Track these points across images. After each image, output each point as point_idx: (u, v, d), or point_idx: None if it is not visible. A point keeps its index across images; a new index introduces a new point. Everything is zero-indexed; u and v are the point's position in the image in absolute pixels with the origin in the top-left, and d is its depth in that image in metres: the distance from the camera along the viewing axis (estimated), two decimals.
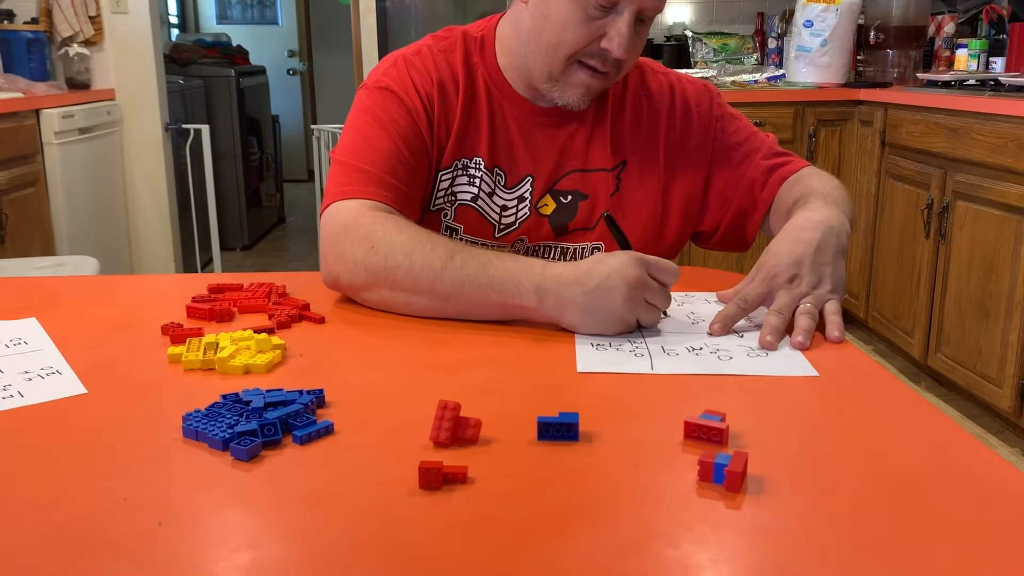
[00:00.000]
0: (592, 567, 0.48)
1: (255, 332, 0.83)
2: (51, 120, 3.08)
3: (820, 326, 0.88)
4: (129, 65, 3.69)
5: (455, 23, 1.19)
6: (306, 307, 0.95)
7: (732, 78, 3.52)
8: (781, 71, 3.60)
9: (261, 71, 5.61)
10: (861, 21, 3.51)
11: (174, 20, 6.77)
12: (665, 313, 0.91)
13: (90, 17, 3.61)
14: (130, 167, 3.77)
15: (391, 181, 1.03)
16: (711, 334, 0.88)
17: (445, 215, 1.13)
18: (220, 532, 0.53)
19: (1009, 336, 2.39)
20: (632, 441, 0.65)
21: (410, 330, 0.90)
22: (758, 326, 0.89)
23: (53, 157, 3.11)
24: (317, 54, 7.39)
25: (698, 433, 0.64)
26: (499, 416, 0.67)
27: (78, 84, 3.58)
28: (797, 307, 0.89)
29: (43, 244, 3.05)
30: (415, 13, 3.84)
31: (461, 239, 1.14)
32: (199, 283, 1.03)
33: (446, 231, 1.14)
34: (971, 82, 2.82)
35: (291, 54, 7.33)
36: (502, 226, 1.14)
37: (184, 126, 3.92)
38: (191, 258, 4.08)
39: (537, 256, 1.15)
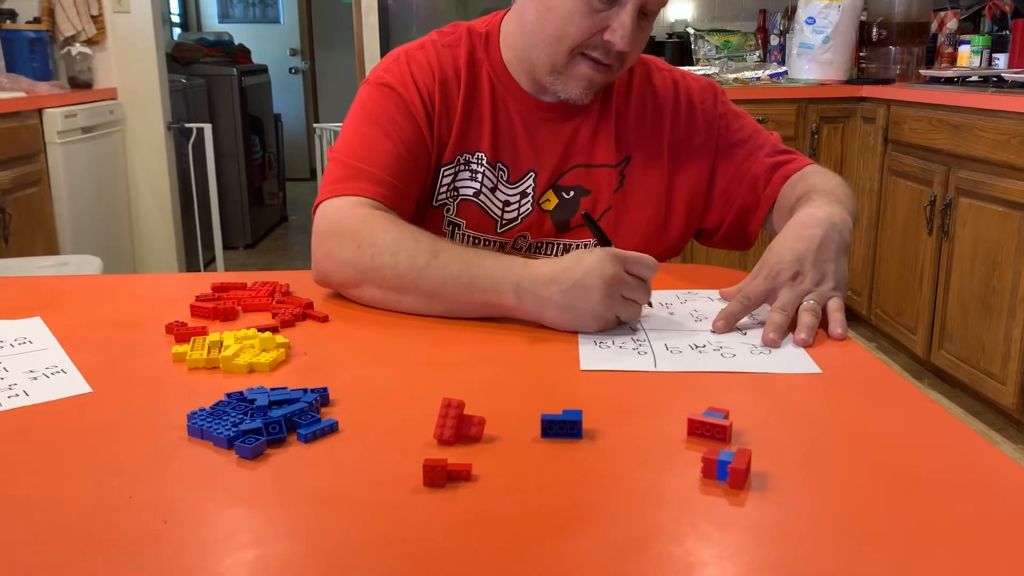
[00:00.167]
0: (596, 564, 0.49)
1: (259, 331, 0.83)
2: (54, 119, 3.09)
3: (823, 323, 0.88)
4: (131, 64, 3.69)
5: (457, 21, 1.19)
6: (310, 306, 0.95)
7: (734, 75, 3.52)
8: (783, 68, 3.59)
9: (263, 70, 5.61)
10: (863, 18, 3.50)
11: (176, 19, 6.77)
12: (649, 305, 0.92)
13: (92, 16, 3.62)
14: (133, 166, 3.78)
15: (385, 178, 1.04)
16: (714, 331, 0.88)
17: (448, 210, 1.13)
18: (225, 530, 0.54)
19: (1012, 333, 2.38)
20: (636, 438, 0.65)
21: (413, 328, 0.90)
22: (761, 323, 0.89)
23: (56, 156, 3.11)
24: (319, 53, 7.39)
25: (702, 430, 0.64)
26: (503, 414, 0.67)
27: (80, 83, 3.58)
28: (800, 304, 0.89)
29: (46, 243, 3.06)
30: (417, 11, 3.84)
31: (463, 235, 1.14)
32: (203, 282, 1.03)
33: (448, 226, 1.14)
34: (974, 78, 2.82)
35: (293, 53, 7.33)
36: (504, 221, 1.14)
37: (187, 125, 3.93)
38: (194, 257, 4.09)
39: (540, 252, 1.16)
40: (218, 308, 0.92)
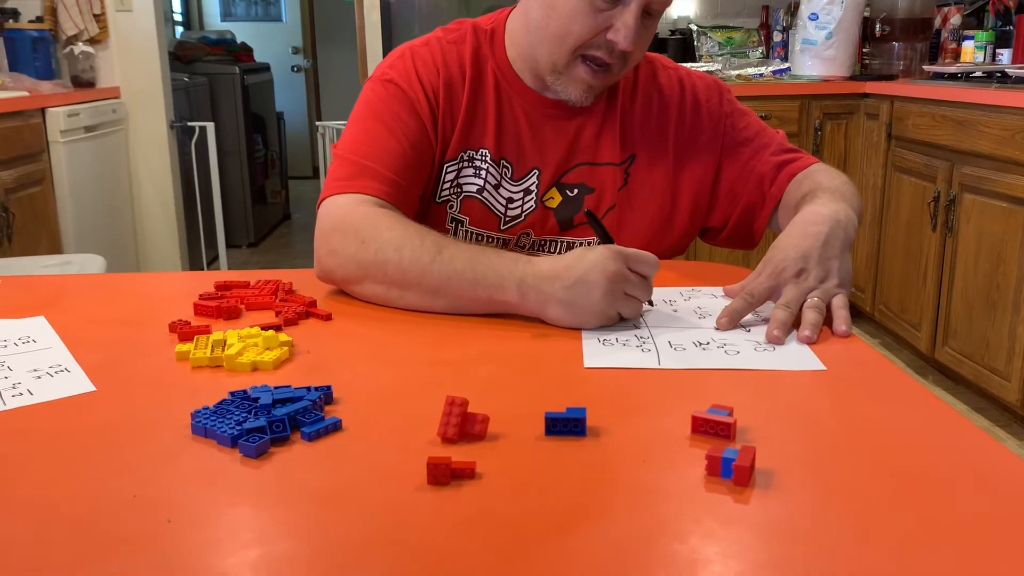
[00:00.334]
0: (600, 561, 0.49)
1: (262, 329, 0.83)
2: (57, 119, 3.09)
3: (827, 320, 0.88)
4: (134, 63, 3.70)
5: (460, 18, 1.19)
6: (313, 304, 0.95)
7: (737, 72, 3.51)
8: (786, 64, 3.58)
9: (265, 68, 5.61)
10: (866, 14, 3.50)
11: (178, 18, 6.78)
12: (650, 302, 0.92)
13: (95, 15, 3.62)
14: (136, 165, 3.78)
15: (388, 175, 1.04)
16: (718, 328, 0.88)
17: (451, 207, 1.13)
18: (229, 529, 0.54)
19: (1017, 329, 2.38)
20: (639, 436, 0.65)
21: (417, 326, 0.90)
22: (765, 320, 0.89)
23: (59, 155, 3.11)
24: (321, 51, 7.39)
25: (706, 428, 0.64)
26: (506, 412, 0.67)
27: (83, 82, 3.59)
28: (804, 301, 0.89)
29: (50, 242, 3.06)
30: (419, 8, 3.84)
31: (467, 231, 1.14)
32: (206, 280, 1.03)
33: (452, 223, 1.14)
34: (978, 74, 2.81)
35: (295, 51, 7.33)
36: (508, 218, 1.14)
37: (189, 123, 3.93)
38: (197, 255, 4.09)
39: (543, 250, 1.15)
40: (221, 307, 0.92)
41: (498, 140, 1.12)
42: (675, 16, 4.06)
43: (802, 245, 0.92)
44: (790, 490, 0.57)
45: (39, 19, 3.52)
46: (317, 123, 4.17)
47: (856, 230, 0.98)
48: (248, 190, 4.98)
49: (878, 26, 3.47)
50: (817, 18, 3.39)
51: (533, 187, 1.13)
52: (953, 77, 2.90)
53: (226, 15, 7.22)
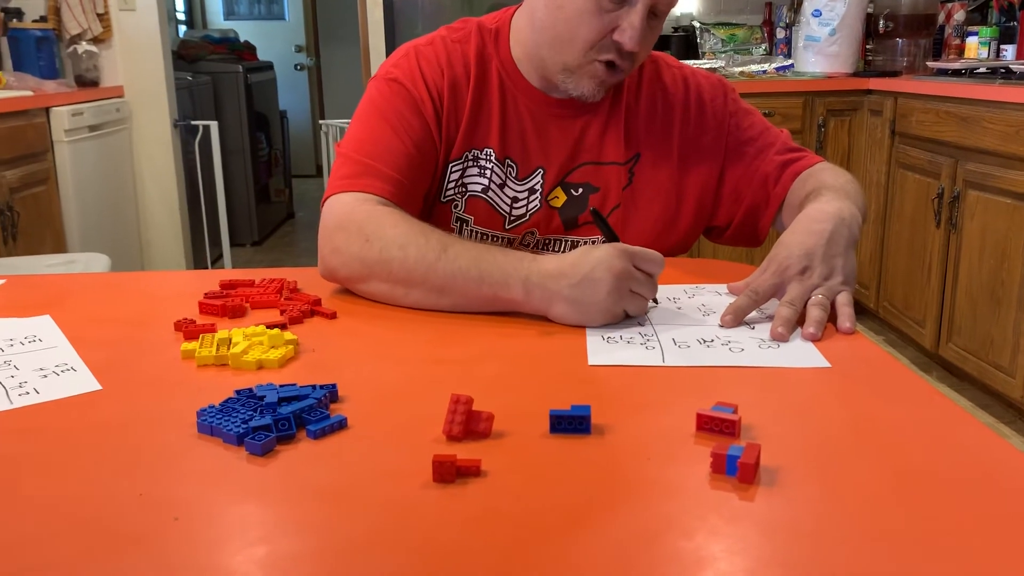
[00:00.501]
0: (605, 559, 0.49)
1: (267, 327, 0.83)
2: (61, 118, 3.09)
3: (832, 317, 0.88)
4: (137, 62, 3.70)
5: (462, 16, 1.19)
6: (318, 302, 0.95)
7: (740, 68, 3.51)
8: (790, 61, 3.58)
9: (269, 67, 5.61)
10: (870, 10, 3.49)
11: (181, 17, 6.78)
12: (655, 301, 0.92)
13: (98, 15, 3.62)
14: (140, 164, 3.79)
15: (391, 175, 1.04)
16: (722, 326, 0.88)
17: (456, 206, 1.13)
18: (236, 526, 0.54)
19: (1021, 325, 2.38)
20: (644, 433, 0.65)
21: (421, 324, 0.90)
22: (770, 318, 0.89)
23: (63, 155, 3.12)
24: (324, 49, 7.39)
25: (710, 425, 0.64)
26: (511, 409, 0.67)
27: (87, 82, 3.59)
28: (809, 299, 0.89)
29: (54, 241, 3.07)
30: (422, 7, 3.84)
31: (471, 231, 1.14)
32: (211, 279, 1.04)
33: (457, 222, 1.14)
34: (981, 70, 2.80)
35: (298, 49, 7.33)
36: (512, 218, 1.14)
37: (193, 122, 3.93)
38: (201, 254, 4.10)
39: (547, 249, 1.16)
40: (226, 305, 0.92)
41: (503, 139, 1.12)
42: (678, 13, 4.05)
43: (806, 242, 0.92)
44: (795, 487, 0.57)
45: (43, 18, 3.53)
46: (320, 121, 4.17)
47: (860, 228, 0.98)
48: (252, 189, 4.99)
49: (881, 22, 3.46)
50: (820, 14, 3.38)
51: (538, 186, 1.13)
52: (957, 73, 2.89)
53: (229, 14, 7.22)
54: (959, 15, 3.39)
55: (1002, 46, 3.12)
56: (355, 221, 0.97)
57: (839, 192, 1.02)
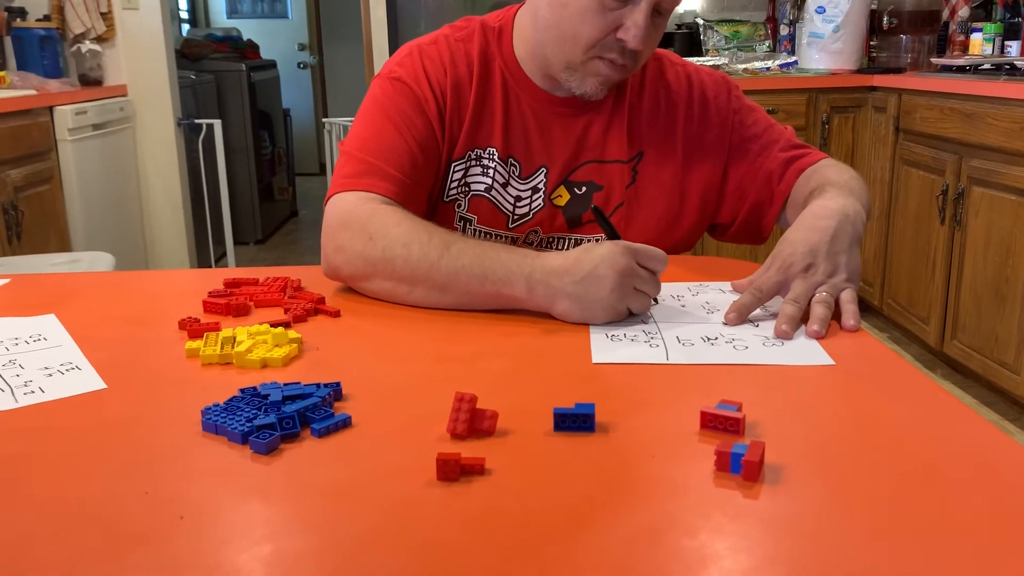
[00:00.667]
0: (609, 557, 0.49)
1: (271, 326, 0.83)
2: (65, 117, 3.10)
3: (836, 315, 0.88)
4: (141, 61, 3.71)
5: (465, 15, 1.19)
6: (321, 301, 0.95)
7: (744, 65, 3.50)
8: (793, 58, 3.57)
9: (272, 65, 5.62)
10: (874, 6, 3.48)
11: (184, 15, 6.79)
12: (656, 300, 0.92)
13: (101, 13, 3.63)
14: (143, 162, 3.79)
15: (394, 174, 1.04)
16: (726, 324, 0.88)
17: (459, 205, 1.13)
18: (241, 525, 0.54)
19: None
20: (648, 431, 0.65)
21: (425, 322, 0.90)
22: (773, 315, 0.89)
23: (67, 154, 3.12)
24: (327, 47, 7.39)
25: (714, 423, 0.64)
26: (515, 408, 0.67)
27: (91, 80, 3.60)
28: (813, 296, 0.88)
29: (59, 240, 3.07)
30: (424, 5, 3.84)
31: (475, 230, 1.14)
32: (215, 278, 1.04)
33: (460, 221, 1.14)
34: (986, 66, 2.80)
35: (301, 48, 7.34)
36: (516, 217, 1.14)
37: (196, 121, 3.94)
38: (205, 252, 4.10)
39: (551, 248, 1.16)
40: (230, 304, 0.93)
41: (506, 138, 1.12)
42: (682, 10, 4.05)
43: (810, 239, 0.92)
44: (799, 485, 0.57)
45: (46, 17, 3.53)
46: (324, 120, 4.17)
47: (865, 225, 0.98)
48: (255, 187, 4.99)
49: (885, 19, 3.45)
50: (824, 11, 3.37)
51: (541, 185, 1.13)
52: (961, 70, 2.88)
53: (232, 12, 7.22)
54: (963, 11, 3.38)
55: (1007, 42, 3.11)
56: (358, 219, 0.98)
57: (843, 189, 1.02)
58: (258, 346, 0.80)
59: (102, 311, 0.97)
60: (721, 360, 0.79)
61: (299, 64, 7.31)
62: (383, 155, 1.05)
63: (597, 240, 1.14)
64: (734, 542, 0.51)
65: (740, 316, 0.88)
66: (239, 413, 0.65)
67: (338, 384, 0.71)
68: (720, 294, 0.98)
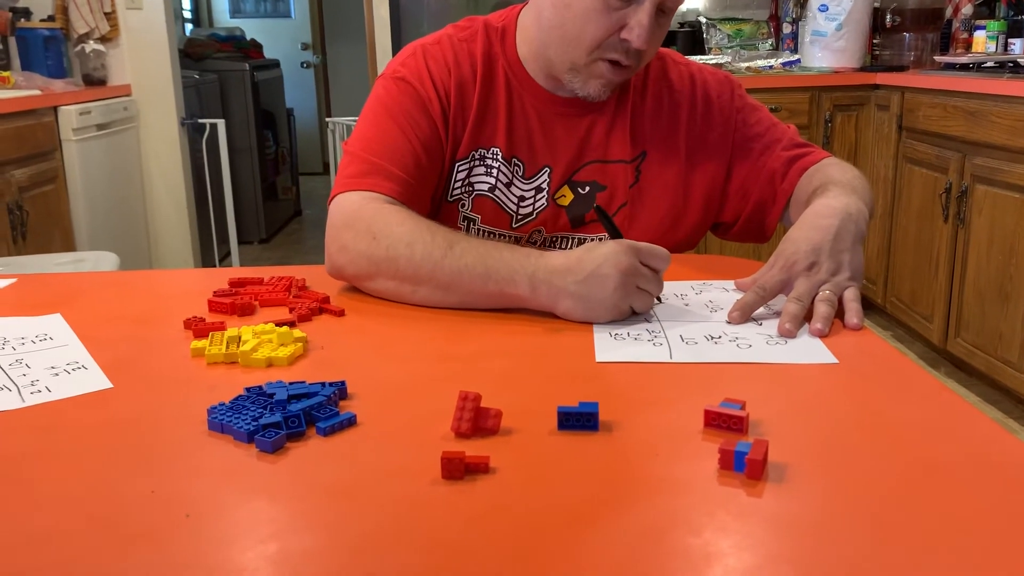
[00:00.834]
0: (613, 555, 0.49)
1: (276, 325, 0.84)
2: (69, 117, 3.11)
3: (839, 313, 0.88)
4: (145, 61, 3.71)
5: (467, 15, 1.19)
6: (326, 300, 0.96)
7: (747, 64, 3.50)
8: (796, 56, 3.57)
9: (275, 64, 5.62)
10: (877, 4, 3.48)
11: (188, 15, 6.79)
12: (659, 299, 0.92)
13: (105, 13, 3.64)
14: (147, 162, 3.80)
15: (398, 174, 1.04)
16: (730, 322, 0.88)
17: (462, 205, 1.14)
18: (247, 523, 0.54)
19: None
20: (652, 430, 0.65)
21: (429, 321, 0.91)
22: (777, 314, 0.89)
23: (71, 154, 3.13)
24: (330, 47, 7.40)
25: (718, 421, 0.64)
26: (519, 406, 0.67)
27: (95, 80, 3.60)
28: (816, 294, 0.89)
29: (63, 240, 3.08)
30: (428, 5, 3.84)
31: (478, 230, 1.14)
32: (220, 277, 1.04)
33: (463, 221, 1.14)
34: (989, 64, 2.79)
35: (304, 47, 7.34)
36: (519, 216, 1.14)
37: (200, 121, 3.94)
38: (209, 252, 4.11)
39: (554, 247, 1.16)
40: (235, 303, 0.93)
41: (509, 138, 1.12)
42: (684, 9, 4.05)
43: (813, 238, 0.92)
44: (803, 483, 0.57)
45: (51, 18, 3.54)
46: (327, 119, 4.17)
47: (868, 223, 0.98)
48: (259, 186, 5.00)
49: (888, 17, 3.45)
50: (827, 9, 3.37)
51: (545, 185, 1.14)
52: (964, 67, 2.88)
53: (235, 12, 7.23)
54: (967, 9, 3.38)
55: (1010, 40, 3.11)
56: (362, 219, 0.98)
57: (846, 187, 1.02)
58: (263, 345, 0.80)
59: (107, 311, 0.97)
60: (725, 359, 0.79)
61: (302, 63, 7.31)
62: (387, 155, 1.05)
63: (600, 239, 1.14)
64: (738, 540, 0.51)
65: (743, 315, 0.88)
66: (244, 412, 0.66)
67: (343, 383, 0.71)
68: (723, 293, 0.98)
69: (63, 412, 0.70)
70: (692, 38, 3.92)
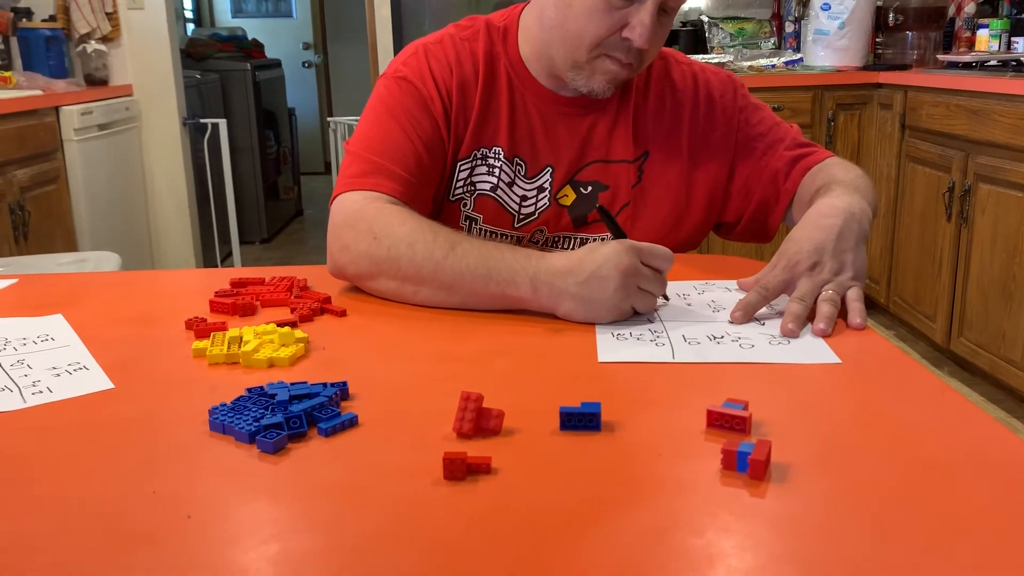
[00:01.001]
0: (616, 556, 0.49)
1: (278, 326, 0.84)
2: (71, 117, 3.11)
3: (842, 313, 0.88)
4: (146, 61, 3.71)
5: (469, 14, 1.19)
6: (328, 300, 0.95)
7: (749, 63, 3.50)
8: (799, 55, 3.56)
9: (277, 64, 5.62)
10: (880, 3, 3.47)
11: (189, 15, 6.80)
12: (666, 297, 0.92)
13: (107, 13, 3.64)
14: (149, 162, 3.80)
15: (400, 173, 1.04)
16: (732, 322, 0.88)
17: (464, 205, 1.13)
18: (248, 524, 0.54)
19: None
20: (655, 430, 0.65)
21: (431, 321, 0.90)
22: (780, 314, 0.88)
23: (73, 154, 3.13)
24: (332, 46, 7.40)
25: (721, 422, 0.64)
26: (521, 407, 0.67)
27: (96, 80, 3.61)
28: (819, 294, 0.88)
29: (65, 240, 3.08)
30: (429, 4, 3.84)
31: (480, 229, 1.14)
32: (221, 277, 1.04)
33: (465, 221, 1.14)
34: (992, 63, 2.79)
35: (306, 47, 7.34)
36: (521, 216, 1.14)
37: (201, 120, 3.95)
38: (211, 252, 4.11)
39: (556, 247, 1.15)
40: (237, 304, 0.93)
41: (511, 138, 1.12)
42: (687, 7, 4.04)
43: (816, 238, 0.92)
44: (806, 484, 0.57)
45: (52, 18, 3.54)
46: (328, 119, 4.17)
47: (871, 223, 0.98)
48: (260, 186, 5.00)
49: (891, 15, 3.44)
50: (829, 8, 3.37)
51: (547, 185, 1.13)
52: (968, 66, 2.87)
53: (237, 12, 7.23)
54: (969, 7, 3.37)
55: (1013, 39, 3.10)
56: (364, 219, 0.98)
57: (849, 187, 1.02)
58: (265, 346, 0.80)
59: (109, 311, 0.97)
60: (727, 359, 0.79)
61: (304, 63, 7.31)
62: (389, 155, 1.05)
63: (603, 239, 1.14)
64: (740, 541, 0.51)
65: (746, 314, 0.88)
66: (246, 413, 0.65)
67: (344, 383, 0.71)
68: (726, 292, 0.98)
69: (64, 413, 0.70)
70: (694, 37, 3.92)
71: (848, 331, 0.86)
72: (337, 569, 0.49)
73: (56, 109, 3.08)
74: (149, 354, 0.83)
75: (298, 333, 0.83)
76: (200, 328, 0.86)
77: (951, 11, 3.45)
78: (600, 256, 0.86)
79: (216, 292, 0.97)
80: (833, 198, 0.98)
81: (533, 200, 1.13)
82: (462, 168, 1.12)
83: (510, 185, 1.13)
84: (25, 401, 0.71)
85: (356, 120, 1.12)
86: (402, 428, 0.66)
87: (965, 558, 0.49)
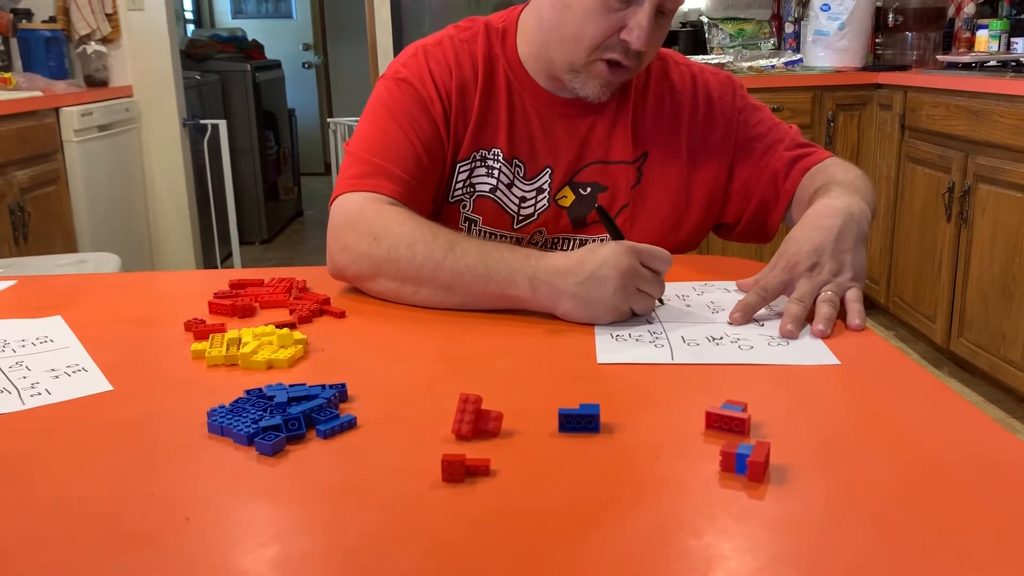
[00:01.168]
0: (615, 558, 0.49)
1: (277, 327, 0.84)
2: (70, 118, 3.11)
3: (841, 314, 0.88)
4: (146, 62, 3.72)
5: (469, 15, 1.19)
6: (327, 302, 0.95)
7: (749, 63, 3.50)
8: (798, 56, 3.56)
9: (277, 65, 5.63)
10: (879, 3, 3.47)
11: (189, 16, 6.80)
12: (661, 300, 0.92)
13: (107, 15, 3.64)
14: (149, 163, 3.80)
15: (399, 174, 1.04)
16: (731, 323, 0.88)
17: (464, 206, 1.13)
18: (247, 526, 0.54)
19: None
20: (653, 432, 0.65)
21: (430, 323, 0.90)
22: (779, 315, 0.88)
23: (73, 155, 3.13)
24: (332, 47, 7.40)
25: (720, 423, 0.64)
26: (520, 408, 0.67)
27: (96, 82, 3.61)
28: (818, 295, 0.88)
29: (65, 241, 3.08)
30: (429, 5, 3.84)
31: (480, 231, 1.14)
32: (220, 279, 1.04)
33: (465, 222, 1.14)
34: (992, 63, 2.79)
35: (306, 47, 7.34)
36: (521, 217, 1.14)
37: (201, 121, 3.95)
38: (211, 253, 4.11)
39: (556, 248, 1.15)
40: (236, 305, 0.93)
41: (510, 139, 1.12)
42: (686, 8, 4.05)
43: (815, 238, 0.91)
44: (805, 485, 0.57)
45: (52, 19, 3.54)
46: (328, 120, 4.18)
47: (870, 223, 0.98)
48: (260, 187, 5.00)
49: (891, 16, 3.44)
50: (829, 8, 3.37)
51: (546, 186, 1.13)
52: (967, 67, 2.87)
53: (237, 13, 7.23)
54: (969, 8, 3.37)
55: (1012, 39, 3.10)
56: (364, 220, 0.98)
57: (848, 187, 1.02)
58: (263, 347, 0.80)
59: (108, 312, 0.97)
60: (726, 360, 0.79)
61: (304, 64, 7.31)
62: (388, 156, 1.05)
63: (602, 240, 1.14)
64: (739, 542, 0.51)
65: (745, 316, 0.88)
66: (245, 414, 0.65)
67: (343, 385, 0.71)
68: (725, 293, 0.98)
69: (63, 415, 0.70)
70: (694, 38, 3.92)
71: (847, 332, 0.86)
72: (336, 571, 0.49)
73: (56, 110, 3.08)
74: (148, 356, 0.83)
75: (297, 335, 0.83)
76: (199, 330, 0.86)
77: (951, 12, 3.45)
78: (600, 256, 0.86)
79: (215, 293, 0.97)
80: (832, 199, 0.98)
81: (532, 201, 1.13)
82: (461, 169, 1.12)
83: (509, 186, 1.13)
84: (23, 403, 0.71)
85: (356, 121, 1.12)
86: (401, 430, 0.66)
87: (965, 558, 0.49)
